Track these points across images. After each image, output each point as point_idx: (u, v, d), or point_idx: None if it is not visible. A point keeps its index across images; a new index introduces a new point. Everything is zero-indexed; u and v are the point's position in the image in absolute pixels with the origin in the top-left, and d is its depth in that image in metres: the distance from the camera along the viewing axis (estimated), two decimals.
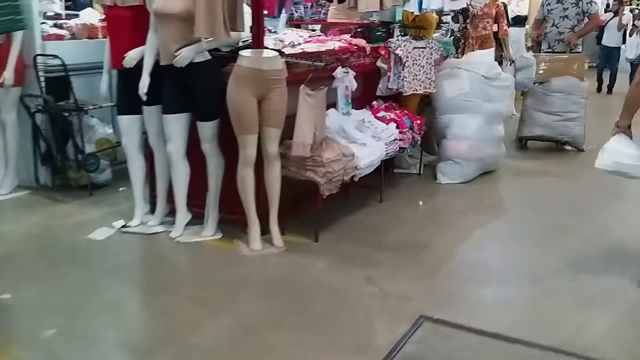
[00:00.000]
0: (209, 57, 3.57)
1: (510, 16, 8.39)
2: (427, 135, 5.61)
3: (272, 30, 5.30)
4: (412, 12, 4.96)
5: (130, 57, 3.66)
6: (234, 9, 3.39)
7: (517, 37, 8.40)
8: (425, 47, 5.03)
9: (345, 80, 4.41)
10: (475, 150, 5.14)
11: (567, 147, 6.48)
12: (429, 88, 5.12)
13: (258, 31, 3.62)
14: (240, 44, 3.81)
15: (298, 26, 5.52)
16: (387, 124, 4.66)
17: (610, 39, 11.00)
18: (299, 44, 4.48)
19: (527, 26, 9.05)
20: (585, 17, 6.46)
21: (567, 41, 6.39)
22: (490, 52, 5.44)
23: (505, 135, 6.51)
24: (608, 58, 11.05)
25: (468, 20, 6.12)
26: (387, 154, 4.46)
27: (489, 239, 3.96)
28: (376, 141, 4.36)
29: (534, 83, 6.38)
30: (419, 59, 5.01)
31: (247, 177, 3.57)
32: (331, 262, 3.50)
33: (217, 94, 3.53)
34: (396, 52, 4.87)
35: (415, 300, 3.04)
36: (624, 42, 11.03)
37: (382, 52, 4.95)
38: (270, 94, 3.46)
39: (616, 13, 10.77)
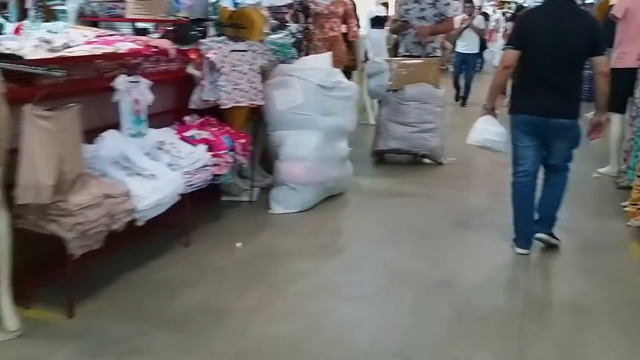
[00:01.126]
0: None
1: (369, 17, 7.77)
2: (267, 155, 4.76)
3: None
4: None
5: None
6: None
7: (377, 39, 7.79)
8: (246, 50, 4.13)
9: (134, 92, 3.42)
10: (313, 173, 4.32)
11: (426, 160, 5.87)
12: (255, 99, 4.23)
13: None
14: None
15: (95, 24, 4.42)
16: (196, 145, 3.72)
17: (464, 44, 9.59)
18: (77, 45, 3.42)
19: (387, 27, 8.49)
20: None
21: (418, 31, 5.74)
22: (326, 57, 4.65)
23: (363, 148, 5.87)
24: (463, 65, 9.73)
25: (310, 20, 5.32)
26: (191, 185, 3.51)
27: (307, 298, 3.09)
28: (172, 170, 3.40)
29: (388, 91, 5.71)
30: (240, 65, 4.10)
31: None
32: (79, 352, 2.49)
33: None
34: (207, 55, 3.94)
35: None
36: (481, 48, 10.12)
37: (193, 56, 3.99)
38: None
39: (469, 16, 9.87)
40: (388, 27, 8.23)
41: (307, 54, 5.46)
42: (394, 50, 8.02)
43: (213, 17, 4.28)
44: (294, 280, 3.26)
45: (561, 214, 4.32)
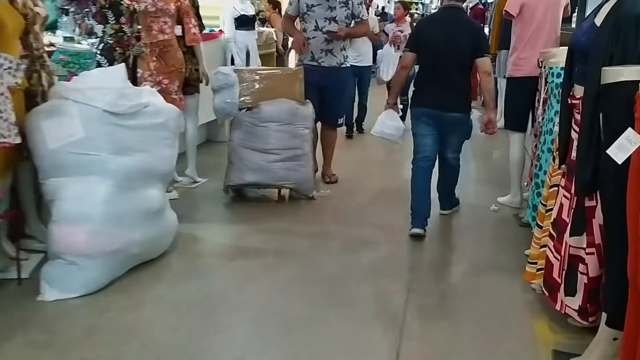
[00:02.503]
0: None
1: (233, 16, 6.51)
2: None
3: None
4: None
5: None
6: None
7: (244, 42, 6.55)
8: None
9: None
10: (102, 239, 3.00)
11: (297, 194, 4.68)
12: (8, 136, 2.86)
13: None
14: None
15: None
16: None
17: (357, 54, 6.65)
18: None
19: (258, 28, 7.26)
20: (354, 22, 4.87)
21: (333, 34, 4.66)
22: (118, 70, 3.33)
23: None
24: (358, 82, 6.92)
25: (123, 19, 3.98)
26: None
27: None
28: None
29: (240, 109, 4.48)
30: None
31: None
32: None
33: None
34: None
35: None
36: (374, 59, 7.18)
37: None
38: None
39: None
40: (259, 28, 7.06)
41: (131, 66, 4.15)
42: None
43: None
44: None
45: (452, 266, 3.36)
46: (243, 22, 6.48)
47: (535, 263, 3.10)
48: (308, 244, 3.76)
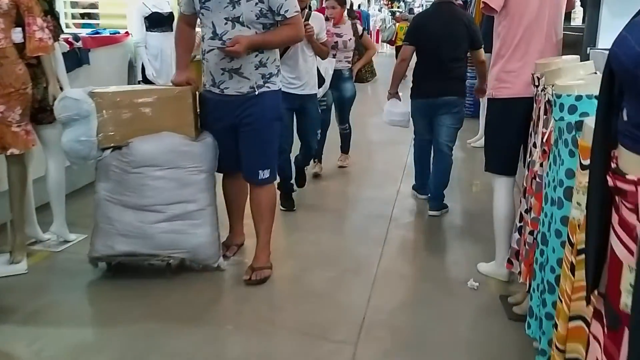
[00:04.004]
0: None
1: (142, 14, 5.12)
2: None
3: None
4: None
5: None
6: None
7: (158, 47, 5.15)
8: None
9: None
10: None
11: (195, 265, 3.31)
12: None
13: None
14: None
15: None
16: None
17: (294, 75, 4.17)
18: None
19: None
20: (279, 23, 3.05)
21: (228, 45, 2.93)
22: None
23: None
24: (298, 121, 4.38)
25: None
26: None
27: None
28: None
29: (103, 149, 3.10)
30: None
31: None
32: None
33: None
34: None
35: None
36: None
37: None
38: None
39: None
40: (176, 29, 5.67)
41: None
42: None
43: None
44: None
45: None
46: (156, 22, 5.08)
47: None
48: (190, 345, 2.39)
